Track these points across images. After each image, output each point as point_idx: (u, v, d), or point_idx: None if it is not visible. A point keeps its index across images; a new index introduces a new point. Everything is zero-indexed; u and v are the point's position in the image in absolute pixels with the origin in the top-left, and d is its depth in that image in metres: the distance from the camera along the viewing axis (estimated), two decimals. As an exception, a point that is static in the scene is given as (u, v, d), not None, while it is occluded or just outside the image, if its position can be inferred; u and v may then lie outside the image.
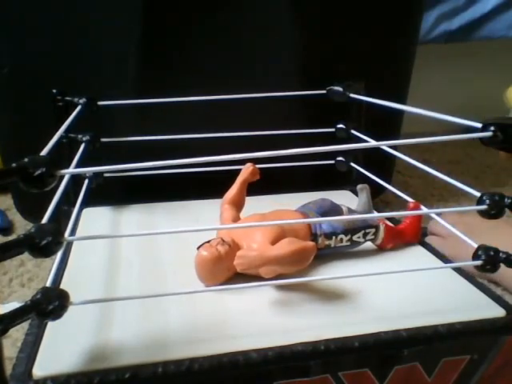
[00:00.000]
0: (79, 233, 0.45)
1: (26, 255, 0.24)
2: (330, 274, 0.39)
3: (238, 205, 0.42)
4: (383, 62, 0.60)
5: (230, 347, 0.29)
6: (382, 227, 0.42)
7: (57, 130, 0.37)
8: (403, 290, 0.36)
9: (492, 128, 0.29)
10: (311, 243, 0.35)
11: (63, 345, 0.29)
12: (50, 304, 0.25)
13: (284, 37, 0.56)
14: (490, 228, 0.43)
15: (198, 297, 0.34)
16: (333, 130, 0.54)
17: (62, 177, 0.35)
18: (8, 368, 0.24)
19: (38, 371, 0.27)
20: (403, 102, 0.63)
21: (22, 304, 0.24)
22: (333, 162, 0.56)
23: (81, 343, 0.29)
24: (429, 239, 0.52)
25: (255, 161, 0.42)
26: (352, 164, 0.55)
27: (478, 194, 0.32)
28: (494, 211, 0.31)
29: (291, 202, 0.44)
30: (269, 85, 0.50)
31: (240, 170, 0.43)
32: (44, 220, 0.30)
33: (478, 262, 0.32)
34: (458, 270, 0.39)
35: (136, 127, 0.55)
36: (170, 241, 0.43)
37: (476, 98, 0.98)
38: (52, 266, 0.33)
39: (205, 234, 0.36)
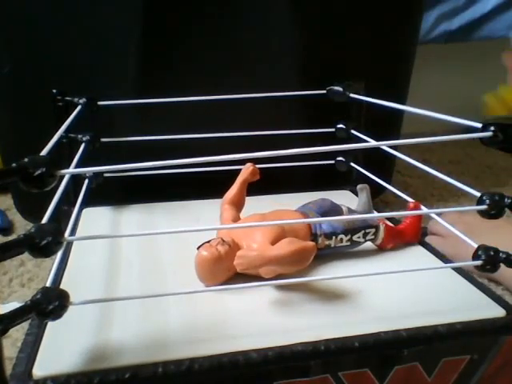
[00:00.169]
0: (79, 233, 0.45)
1: (26, 255, 0.24)
2: (330, 273, 0.39)
3: (237, 205, 0.42)
4: (383, 61, 0.60)
5: (230, 347, 0.29)
6: (381, 227, 0.42)
7: (57, 130, 0.37)
8: (403, 290, 0.36)
9: (492, 128, 0.29)
10: (311, 243, 0.35)
11: (63, 345, 0.29)
12: (50, 304, 0.25)
13: (284, 37, 0.56)
14: (491, 227, 0.43)
15: (198, 297, 0.34)
16: (333, 130, 0.54)
17: (62, 177, 0.35)
18: (8, 368, 0.23)
19: (38, 371, 0.27)
20: (403, 102, 0.63)
21: (22, 304, 0.24)
22: (333, 162, 0.56)
23: (81, 343, 0.29)
24: (429, 239, 0.52)
25: (255, 161, 0.42)
26: (352, 164, 0.55)
27: (478, 194, 0.32)
28: (493, 211, 0.31)
29: (291, 201, 0.44)
30: (269, 85, 0.50)
31: (240, 169, 0.43)
32: (44, 220, 0.30)
33: (478, 262, 0.32)
34: (458, 270, 0.39)
35: (136, 127, 0.55)
36: (170, 241, 0.43)
37: (476, 98, 0.98)
38: (52, 266, 0.33)
39: (205, 233, 0.36)
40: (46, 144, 0.32)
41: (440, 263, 0.41)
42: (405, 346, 0.31)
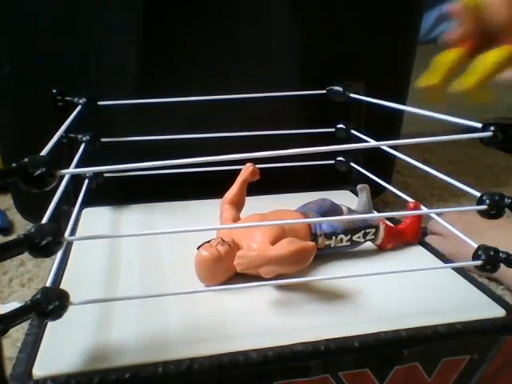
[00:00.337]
0: (79, 233, 0.45)
1: (26, 255, 0.24)
2: (330, 274, 0.39)
3: (237, 205, 0.42)
4: (383, 61, 0.60)
5: (230, 347, 0.29)
6: (381, 227, 0.42)
7: (57, 130, 0.37)
8: (403, 290, 0.36)
9: (492, 128, 0.29)
10: (311, 243, 0.35)
11: (63, 345, 0.29)
12: (50, 304, 0.25)
13: (284, 37, 0.56)
14: (491, 226, 0.43)
15: (198, 297, 0.34)
16: (333, 130, 0.54)
17: (62, 177, 0.35)
18: (8, 368, 0.24)
19: (38, 371, 0.27)
20: (403, 102, 0.63)
21: (22, 304, 0.24)
22: (333, 162, 0.56)
23: (81, 343, 0.29)
24: (429, 239, 0.52)
25: (255, 161, 0.42)
26: (352, 164, 0.55)
27: (478, 194, 0.32)
28: (493, 211, 0.31)
29: (291, 201, 0.44)
30: (269, 85, 0.50)
31: (240, 169, 0.43)
32: (44, 220, 0.30)
33: (478, 262, 0.32)
34: (458, 270, 0.39)
35: (136, 127, 0.55)
36: (170, 241, 0.43)
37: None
38: (52, 266, 0.33)
39: (205, 233, 0.36)
40: (46, 144, 0.32)
41: (440, 263, 0.41)
42: (405, 345, 0.31)
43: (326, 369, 0.30)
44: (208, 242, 0.36)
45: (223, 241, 0.36)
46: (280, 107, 0.53)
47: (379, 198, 0.67)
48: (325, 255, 0.40)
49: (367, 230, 0.41)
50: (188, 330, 0.31)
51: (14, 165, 0.24)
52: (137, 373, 0.27)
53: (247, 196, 0.43)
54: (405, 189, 0.71)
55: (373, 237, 0.41)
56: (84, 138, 0.48)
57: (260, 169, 0.43)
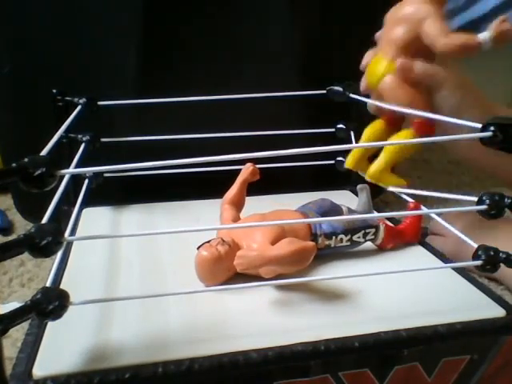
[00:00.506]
0: (79, 233, 0.45)
1: (26, 255, 0.24)
2: (330, 274, 0.39)
3: (237, 205, 0.42)
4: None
5: (230, 347, 0.29)
6: (381, 227, 0.42)
7: (57, 130, 0.37)
8: (403, 290, 0.36)
9: (492, 128, 0.29)
10: (311, 243, 0.35)
11: (63, 345, 0.29)
12: (50, 304, 0.25)
13: (284, 37, 0.56)
14: (491, 226, 0.43)
15: (198, 297, 0.34)
16: (333, 130, 0.54)
17: (62, 177, 0.35)
18: (8, 368, 0.24)
19: (38, 371, 0.27)
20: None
21: (22, 304, 0.24)
22: (333, 162, 0.56)
23: (81, 343, 0.29)
24: (430, 239, 0.52)
25: (255, 161, 0.42)
26: (352, 164, 0.55)
27: (473, 199, 0.32)
28: (493, 211, 0.31)
29: (291, 201, 0.44)
30: (269, 85, 0.50)
31: (240, 169, 0.43)
32: (44, 220, 0.30)
33: (478, 262, 0.32)
34: (458, 270, 0.39)
35: (136, 127, 0.55)
36: (170, 241, 0.43)
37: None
38: (52, 266, 0.33)
39: (205, 233, 0.36)
40: (46, 144, 0.32)
41: (440, 263, 0.41)
42: (405, 345, 0.31)
43: (326, 369, 0.30)
44: (208, 242, 0.36)
45: (223, 241, 0.36)
46: (280, 107, 0.53)
47: (379, 198, 0.67)
48: (325, 255, 0.40)
49: (367, 230, 0.41)
50: (188, 330, 0.31)
51: (14, 165, 0.24)
52: (137, 373, 0.27)
53: (247, 196, 0.43)
54: (405, 189, 0.71)
55: (373, 237, 0.41)
56: (84, 138, 0.48)
57: (260, 169, 0.43)
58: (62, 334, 0.30)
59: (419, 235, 0.44)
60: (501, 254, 0.32)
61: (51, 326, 0.30)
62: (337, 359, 0.30)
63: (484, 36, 0.36)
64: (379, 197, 0.67)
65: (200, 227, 0.31)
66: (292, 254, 0.33)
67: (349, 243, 0.41)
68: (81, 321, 0.31)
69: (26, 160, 0.24)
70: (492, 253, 0.32)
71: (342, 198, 0.47)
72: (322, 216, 0.42)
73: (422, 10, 0.39)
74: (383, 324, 0.31)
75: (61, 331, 0.30)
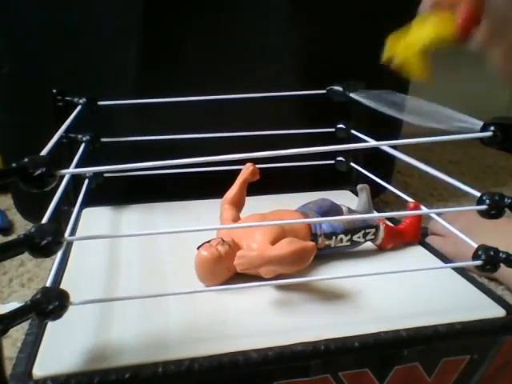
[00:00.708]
0: (79, 233, 0.45)
1: (26, 255, 0.24)
2: (330, 273, 0.39)
3: (237, 205, 0.42)
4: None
5: (230, 347, 0.29)
6: (382, 227, 0.42)
7: (57, 130, 0.37)
8: (403, 290, 0.36)
9: (492, 128, 0.29)
10: (311, 243, 0.35)
11: (63, 345, 0.29)
12: (50, 304, 0.25)
13: (284, 37, 0.56)
14: (491, 226, 0.43)
15: (198, 297, 0.34)
16: (333, 130, 0.54)
17: (62, 177, 0.35)
18: (8, 368, 0.24)
19: (38, 371, 0.27)
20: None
21: (22, 304, 0.24)
22: (333, 162, 0.56)
23: (81, 343, 0.29)
24: (430, 239, 0.52)
25: (255, 161, 0.42)
26: (352, 164, 0.55)
27: (478, 194, 0.32)
28: (493, 211, 0.31)
29: (291, 201, 0.44)
30: (269, 85, 0.50)
31: (240, 169, 0.43)
32: (44, 220, 0.30)
33: (478, 262, 0.32)
34: (458, 270, 0.39)
35: (136, 127, 0.55)
36: (170, 241, 0.43)
37: (476, 98, 0.98)
38: (52, 266, 0.33)
39: (205, 233, 0.36)
40: (46, 144, 0.32)
41: (440, 263, 0.41)
42: (405, 345, 0.31)
43: (326, 369, 0.30)
44: (208, 242, 0.36)
45: (223, 241, 0.36)
46: (280, 107, 0.53)
47: (379, 198, 0.67)
48: (325, 255, 0.40)
49: (367, 230, 0.41)
50: (188, 330, 0.31)
51: (14, 165, 0.24)
52: (137, 373, 0.27)
53: (247, 196, 0.43)
54: (405, 189, 0.71)
55: (373, 237, 0.41)
56: (84, 138, 0.48)
57: (260, 169, 0.43)
58: (62, 334, 0.30)
59: (419, 235, 0.44)
60: (501, 254, 0.32)
61: (51, 325, 0.30)
62: (337, 359, 0.30)
63: None
64: (379, 197, 0.67)
65: (200, 227, 0.31)
66: (292, 253, 0.33)
67: (349, 243, 0.41)
68: (81, 321, 0.31)
69: (26, 160, 0.24)
70: (492, 253, 0.32)
71: (341, 198, 0.47)
72: (322, 216, 0.42)
73: None
74: (383, 324, 0.31)
75: (61, 331, 0.30)
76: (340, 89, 0.51)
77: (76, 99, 0.48)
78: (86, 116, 0.47)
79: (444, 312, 0.33)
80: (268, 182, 0.45)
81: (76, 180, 0.48)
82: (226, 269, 0.36)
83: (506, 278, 0.50)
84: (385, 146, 0.44)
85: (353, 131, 0.52)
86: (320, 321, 0.32)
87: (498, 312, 0.33)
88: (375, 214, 0.46)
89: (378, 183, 0.49)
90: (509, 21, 0.36)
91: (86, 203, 0.47)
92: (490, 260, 0.32)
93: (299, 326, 0.31)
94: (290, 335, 0.30)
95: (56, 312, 0.25)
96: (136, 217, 0.49)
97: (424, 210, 0.43)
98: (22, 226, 0.63)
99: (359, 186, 0.47)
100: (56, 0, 0.52)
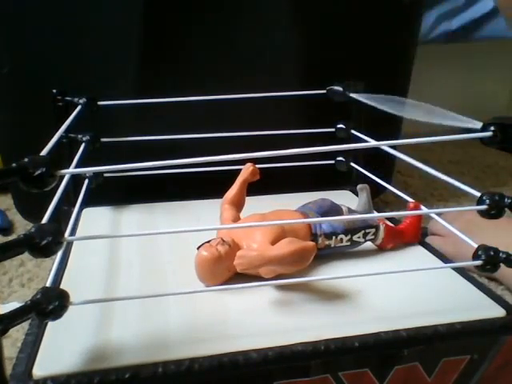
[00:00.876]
0: (79, 233, 0.45)
1: (26, 255, 0.24)
2: (330, 273, 0.39)
3: (237, 205, 0.42)
4: (383, 62, 0.60)
5: (230, 347, 0.29)
6: (381, 227, 0.42)
7: (57, 130, 0.37)
8: (403, 290, 0.36)
9: (492, 128, 0.29)
10: (311, 243, 0.35)
11: (63, 345, 0.29)
12: (50, 304, 0.25)
13: (284, 37, 0.56)
14: (491, 225, 0.43)
15: (198, 297, 0.34)
16: (333, 130, 0.54)
17: (62, 177, 0.35)
18: (8, 368, 0.24)
19: (38, 371, 0.27)
20: (403, 102, 0.63)
21: (22, 304, 0.24)
22: (333, 162, 0.56)
23: (81, 343, 0.29)
24: (430, 239, 0.52)
25: (255, 161, 0.42)
26: (352, 164, 0.55)
27: (478, 194, 0.32)
28: (493, 211, 0.31)
29: (291, 201, 0.44)
30: (269, 85, 0.50)
31: (240, 170, 0.43)
32: (44, 220, 0.30)
33: (478, 262, 0.32)
34: (458, 270, 0.39)
35: (136, 127, 0.55)
36: (170, 241, 0.43)
37: (476, 98, 0.98)
38: (52, 266, 0.33)
39: (205, 233, 0.36)
40: (46, 144, 0.32)
41: (440, 263, 0.41)
42: (405, 345, 0.31)
43: (326, 369, 0.30)
44: (208, 241, 0.36)
45: (223, 241, 0.36)
46: (280, 107, 0.53)
47: (379, 198, 0.67)
48: (325, 255, 0.40)
49: (367, 230, 0.41)
50: (188, 330, 0.31)
51: (14, 165, 0.24)
52: (137, 373, 0.27)
53: (247, 196, 0.43)
54: (405, 189, 0.71)
55: (373, 237, 0.41)
56: (84, 138, 0.48)
57: (260, 169, 0.43)
58: (62, 334, 0.30)
59: (419, 235, 0.44)
60: (501, 254, 0.32)
61: (51, 325, 0.30)
62: (337, 359, 0.30)
63: None
64: (379, 197, 0.67)
65: (200, 227, 0.31)
66: (292, 253, 0.33)
67: (349, 243, 0.41)
68: (81, 321, 0.31)
69: (26, 160, 0.24)
70: (492, 253, 0.32)
71: (341, 198, 0.47)
72: (322, 216, 0.42)
73: None
74: (383, 324, 0.31)
75: (61, 331, 0.30)
76: (340, 89, 0.51)
77: (76, 99, 0.48)
78: (86, 116, 0.46)
79: (444, 312, 0.33)
80: (268, 182, 0.45)
81: (76, 180, 0.48)
82: (225, 269, 0.36)
83: (506, 277, 0.50)
84: (385, 146, 0.44)
85: (353, 131, 0.52)
86: (320, 321, 0.32)
87: (498, 312, 0.33)
88: (375, 214, 0.46)
89: (378, 183, 0.49)
90: None
91: (86, 203, 0.47)
92: (490, 260, 0.32)
93: (299, 325, 0.31)
94: (289, 335, 0.30)
95: (56, 312, 0.25)
96: (136, 217, 0.49)
97: (424, 209, 0.43)
98: (22, 225, 0.63)
99: (359, 186, 0.47)
100: (56, 0, 0.52)
